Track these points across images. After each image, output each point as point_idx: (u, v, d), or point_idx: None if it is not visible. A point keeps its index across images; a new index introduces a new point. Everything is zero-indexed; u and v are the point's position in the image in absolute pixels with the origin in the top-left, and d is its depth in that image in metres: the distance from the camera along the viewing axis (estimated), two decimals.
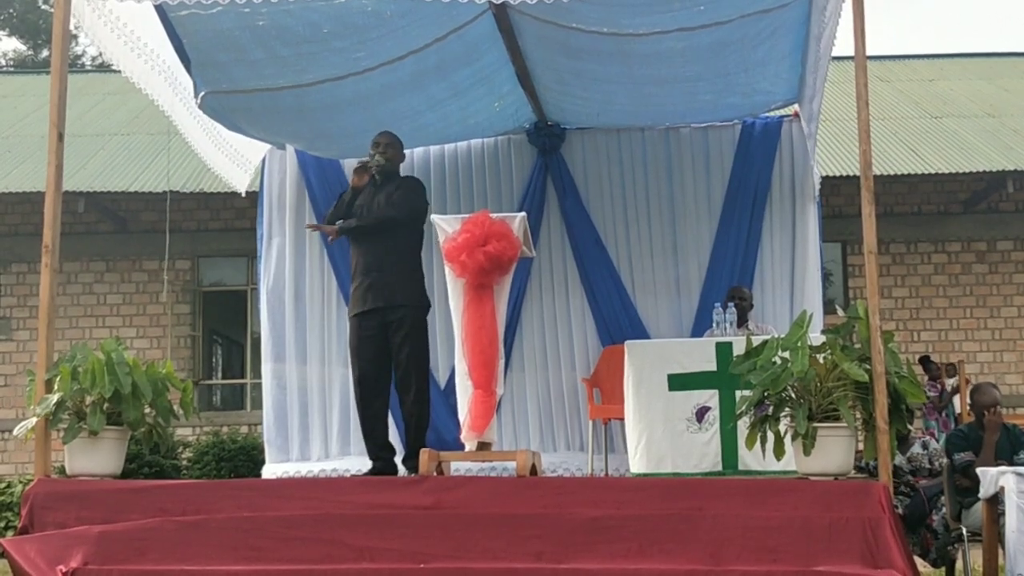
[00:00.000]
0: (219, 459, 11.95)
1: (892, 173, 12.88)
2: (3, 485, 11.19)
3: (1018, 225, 14.00)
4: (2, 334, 13.98)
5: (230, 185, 9.02)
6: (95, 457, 5.72)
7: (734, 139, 8.77)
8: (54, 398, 5.63)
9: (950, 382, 12.83)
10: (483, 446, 6.33)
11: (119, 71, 6.85)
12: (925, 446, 7.91)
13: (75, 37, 29.90)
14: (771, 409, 5.39)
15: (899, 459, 7.51)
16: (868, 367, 5.24)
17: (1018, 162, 12.98)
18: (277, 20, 6.58)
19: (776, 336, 5.59)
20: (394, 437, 7.30)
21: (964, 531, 6.76)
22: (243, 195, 9.19)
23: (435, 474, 6.10)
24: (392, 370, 6.82)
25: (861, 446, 5.52)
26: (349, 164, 8.72)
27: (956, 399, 12.61)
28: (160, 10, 6.44)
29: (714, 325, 7.69)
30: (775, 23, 6.74)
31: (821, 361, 5.34)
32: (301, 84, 7.33)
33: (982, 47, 29.98)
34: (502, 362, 6.50)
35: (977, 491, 6.17)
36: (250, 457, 11.77)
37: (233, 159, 8.61)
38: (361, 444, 8.49)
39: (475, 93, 7.98)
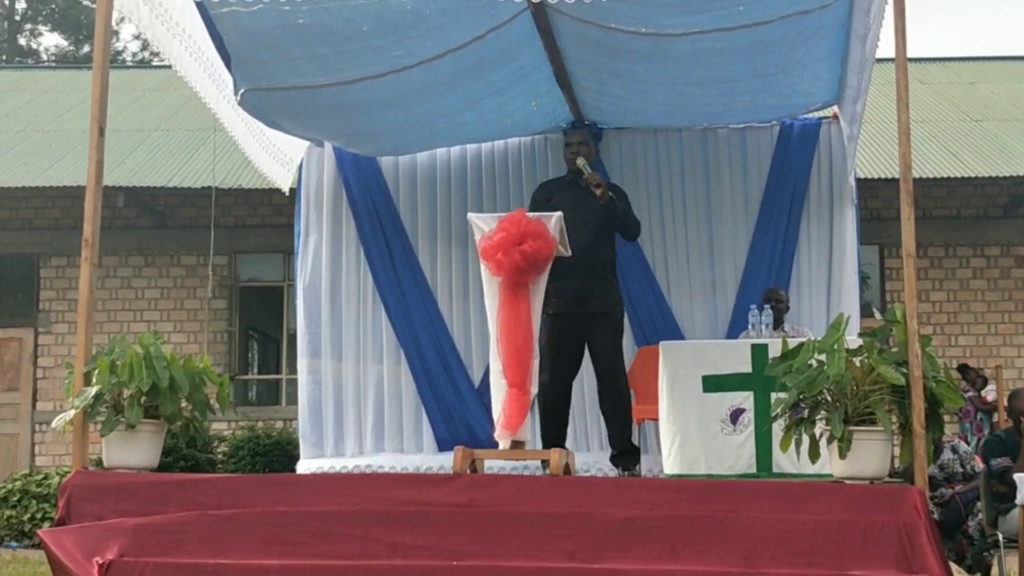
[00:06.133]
0: (254, 454, 12.06)
1: (931, 176, 12.78)
2: (41, 477, 11.32)
3: None
4: (41, 327, 14.12)
5: (274, 183, 9.07)
6: (132, 450, 5.76)
7: (772, 140, 8.73)
8: (92, 391, 5.67)
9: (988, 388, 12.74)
10: (517, 444, 6.32)
11: (159, 67, 6.93)
12: (955, 450, 7.86)
13: (116, 33, 30.15)
14: (806, 412, 5.36)
15: (931, 469, 7.44)
16: (905, 371, 5.20)
17: None
18: (317, 18, 6.60)
19: (812, 339, 5.56)
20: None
21: (1000, 537, 6.72)
22: (286, 193, 9.24)
23: (469, 472, 6.11)
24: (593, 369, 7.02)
25: (896, 451, 5.49)
26: (386, 162, 8.76)
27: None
28: (202, 7, 6.49)
29: (750, 327, 7.65)
30: (816, 24, 6.70)
31: (857, 364, 5.31)
32: (340, 82, 7.34)
33: (1023, 50, 29.64)
34: (536, 361, 6.49)
35: (1014, 497, 6.13)
36: (285, 452, 11.86)
37: (276, 157, 8.65)
38: (396, 440, 8.57)
39: (513, 92, 7.98)
